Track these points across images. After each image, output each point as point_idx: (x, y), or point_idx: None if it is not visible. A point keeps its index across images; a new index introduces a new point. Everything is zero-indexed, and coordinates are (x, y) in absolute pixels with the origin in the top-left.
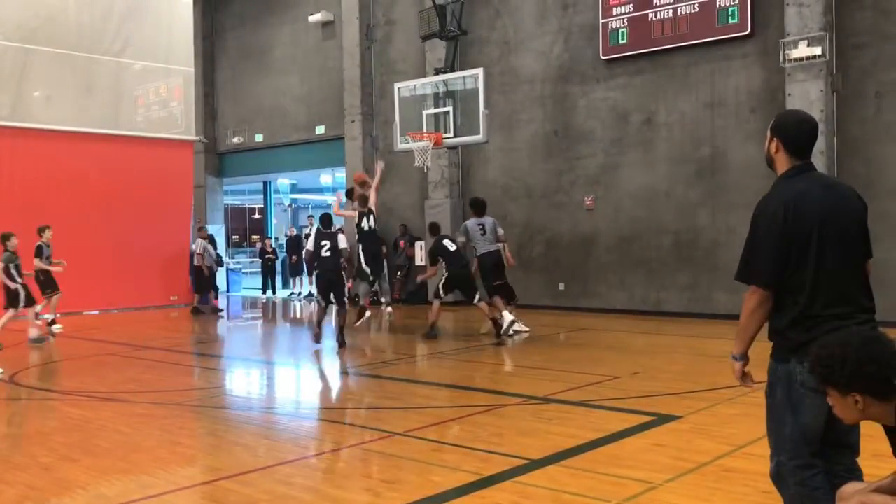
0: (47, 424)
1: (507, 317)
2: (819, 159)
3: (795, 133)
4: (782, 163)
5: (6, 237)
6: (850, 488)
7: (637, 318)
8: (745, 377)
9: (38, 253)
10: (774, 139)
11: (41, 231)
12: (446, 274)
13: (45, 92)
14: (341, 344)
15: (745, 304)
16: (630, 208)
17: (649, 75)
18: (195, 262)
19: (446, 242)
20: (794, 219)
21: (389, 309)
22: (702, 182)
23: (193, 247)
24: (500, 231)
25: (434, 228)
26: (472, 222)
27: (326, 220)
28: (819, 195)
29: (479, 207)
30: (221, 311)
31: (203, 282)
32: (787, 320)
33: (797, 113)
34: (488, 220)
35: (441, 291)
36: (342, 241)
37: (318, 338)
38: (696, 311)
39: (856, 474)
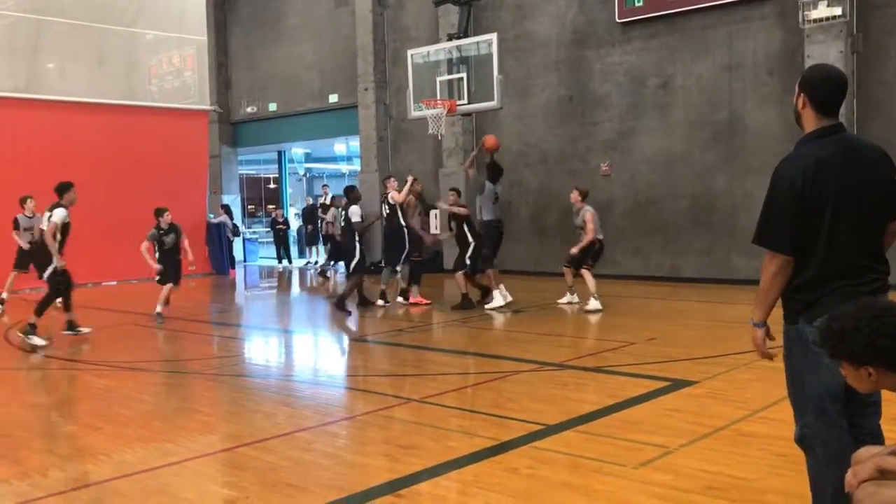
0: (70, 394)
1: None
2: None
3: (822, 89)
4: (809, 121)
5: (159, 212)
6: (865, 452)
7: (653, 284)
8: (765, 345)
9: (16, 225)
10: (801, 95)
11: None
12: (474, 243)
13: (58, 63)
14: (338, 307)
15: (765, 269)
16: (646, 173)
17: (665, 38)
18: (327, 231)
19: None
20: (811, 188)
21: (380, 302)
22: (719, 146)
23: (327, 216)
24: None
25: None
26: (491, 187)
27: (346, 191)
28: (840, 162)
29: (499, 173)
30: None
31: (340, 249)
32: (795, 282)
33: (826, 68)
34: (499, 189)
35: (468, 264)
36: (353, 214)
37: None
38: (713, 277)
39: (878, 439)
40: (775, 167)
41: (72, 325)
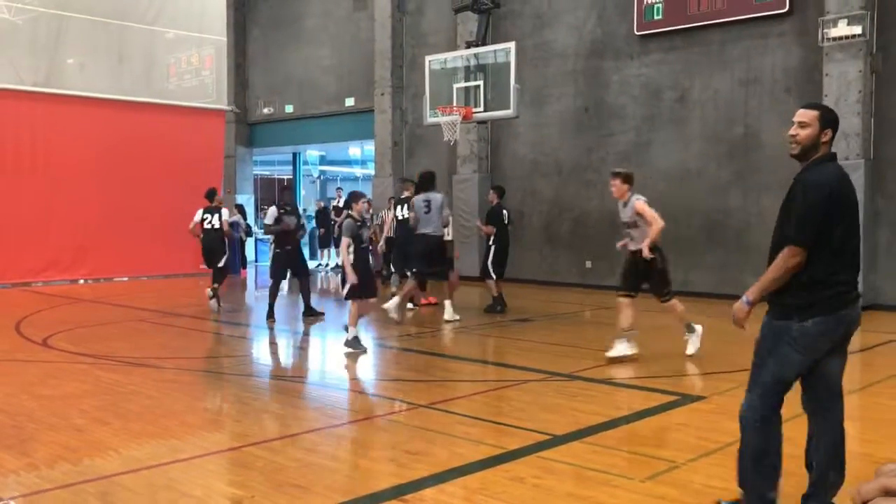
0: (80, 387)
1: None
2: (855, 141)
3: (838, 127)
4: (826, 150)
5: (355, 198)
6: (890, 467)
7: None
8: (744, 323)
9: None
10: (828, 130)
11: None
12: (494, 247)
13: (79, 59)
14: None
15: (786, 261)
16: (660, 187)
17: (684, 52)
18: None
19: (504, 211)
20: (838, 198)
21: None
22: (734, 161)
23: (379, 217)
24: (447, 212)
25: (498, 191)
26: (419, 199)
27: (282, 190)
28: (846, 185)
29: (425, 182)
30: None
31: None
32: (802, 280)
33: (833, 109)
34: (436, 198)
35: (492, 271)
36: (269, 216)
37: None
38: (724, 292)
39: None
40: (806, 179)
41: (217, 300)
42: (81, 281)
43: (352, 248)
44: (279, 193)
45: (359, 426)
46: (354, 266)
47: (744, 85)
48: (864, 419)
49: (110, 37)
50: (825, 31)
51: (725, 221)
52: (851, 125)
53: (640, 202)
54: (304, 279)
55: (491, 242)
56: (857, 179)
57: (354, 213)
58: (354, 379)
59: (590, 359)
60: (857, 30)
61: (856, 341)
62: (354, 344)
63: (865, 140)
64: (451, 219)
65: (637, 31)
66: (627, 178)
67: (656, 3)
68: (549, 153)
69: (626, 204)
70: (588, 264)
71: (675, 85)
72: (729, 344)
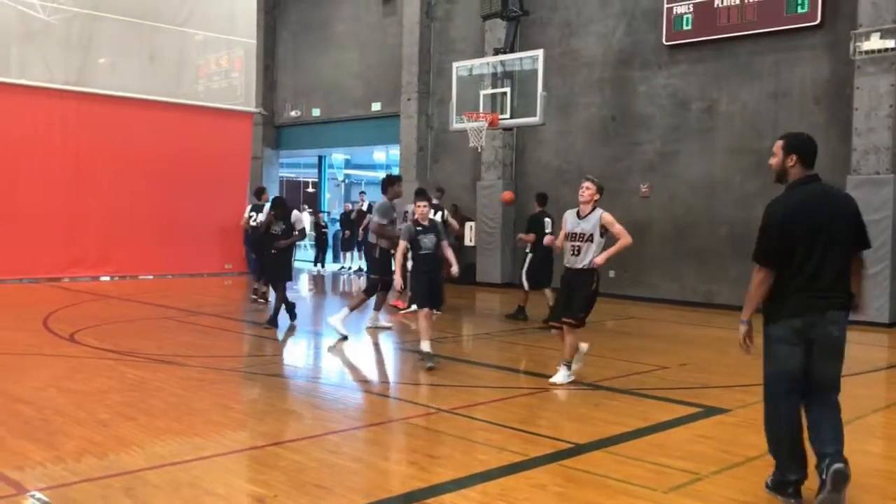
0: (106, 383)
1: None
2: (885, 156)
3: (810, 151)
4: (796, 173)
5: (419, 194)
6: None
7: (688, 309)
8: (746, 340)
9: None
10: (792, 156)
11: None
12: (530, 256)
13: (110, 59)
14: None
15: (753, 278)
16: (686, 197)
17: (712, 63)
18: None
19: (546, 219)
20: (790, 223)
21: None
22: (761, 174)
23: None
24: (375, 216)
25: (541, 199)
26: (387, 204)
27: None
28: (816, 205)
29: (391, 182)
30: None
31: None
32: (771, 293)
33: (804, 134)
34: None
35: (525, 281)
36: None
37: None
38: None
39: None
40: (769, 204)
41: (265, 296)
42: (107, 278)
43: (410, 254)
44: (273, 202)
45: (381, 429)
46: (413, 273)
47: (773, 97)
48: (890, 437)
49: (142, 37)
50: (857, 44)
51: (751, 234)
52: (881, 139)
53: (607, 214)
54: (278, 287)
55: (529, 251)
56: (886, 194)
57: (416, 217)
58: (377, 382)
59: (612, 369)
60: (890, 43)
61: (881, 359)
62: (427, 359)
63: (894, 155)
64: (467, 227)
65: (666, 41)
66: (601, 189)
67: (686, 13)
68: (574, 161)
69: (585, 215)
70: (611, 273)
71: (703, 96)
72: (753, 357)
